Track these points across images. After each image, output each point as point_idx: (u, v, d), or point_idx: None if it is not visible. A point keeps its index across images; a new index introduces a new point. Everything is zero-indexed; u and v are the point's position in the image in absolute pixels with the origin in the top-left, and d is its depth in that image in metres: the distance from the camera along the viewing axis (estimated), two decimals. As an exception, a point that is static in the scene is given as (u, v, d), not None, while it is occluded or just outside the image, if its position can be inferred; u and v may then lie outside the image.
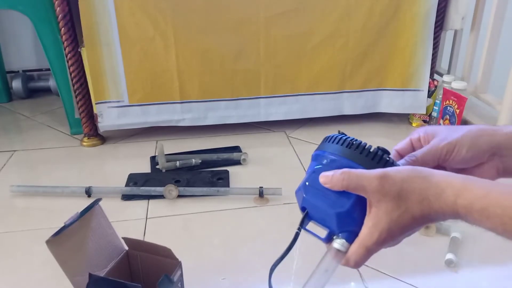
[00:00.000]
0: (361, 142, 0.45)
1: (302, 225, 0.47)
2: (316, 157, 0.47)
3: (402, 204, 0.40)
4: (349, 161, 0.43)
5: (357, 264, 0.45)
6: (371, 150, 0.44)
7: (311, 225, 0.48)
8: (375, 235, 0.42)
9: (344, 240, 0.44)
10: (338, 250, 0.44)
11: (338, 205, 0.43)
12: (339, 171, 0.43)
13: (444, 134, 0.47)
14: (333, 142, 0.46)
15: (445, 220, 0.41)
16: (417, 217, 0.40)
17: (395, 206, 0.40)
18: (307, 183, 0.46)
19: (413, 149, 0.51)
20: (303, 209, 0.47)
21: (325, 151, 0.46)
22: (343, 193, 0.43)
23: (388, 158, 0.44)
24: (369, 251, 0.43)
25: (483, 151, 0.46)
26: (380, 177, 0.40)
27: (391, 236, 0.42)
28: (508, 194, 0.36)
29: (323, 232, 0.46)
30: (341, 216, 0.43)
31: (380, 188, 0.40)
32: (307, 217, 0.47)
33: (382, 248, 0.44)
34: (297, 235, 0.48)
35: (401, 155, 0.50)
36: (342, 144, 0.45)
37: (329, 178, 0.43)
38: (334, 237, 0.45)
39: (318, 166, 0.45)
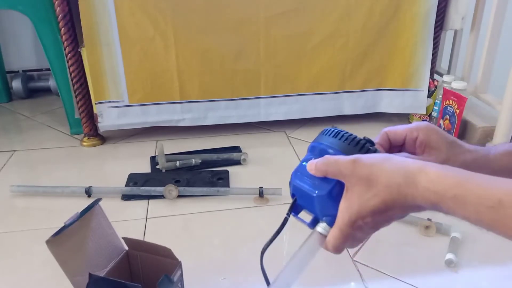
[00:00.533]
0: (351, 134, 0.47)
1: (291, 211, 0.50)
2: (310, 149, 0.49)
3: (372, 187, 0.41)
4: (337, 151, 0.46)
5: (335, 248, 0.46)
6: (356, 139, 0.47)
7: (302, 213, 0.51)
8: (346, 217, 0.43)
9: (325, 224, 0.46)
10: (321, 234, 0.47)
11: (319, 189, 0.45)
12: (321, 158, 0.45)
13: (443, 154, 0.49)
14: (326, 135, 0.48)
15: (420, 209, 0.41)
16: (387, 202, 0.41)
17: (365, 189, 0.41)
18: (298, 172, 0.48)
19: (403, 142, 0.52)
20: (292, 195, 0.49)
21: (318, 143, 0.48)
22: (326, 179, 0.45)
23: (370, 147, 0.46)
24: (343, 234, 0.44)
25: (441, 139, 0.48)
26: (353, 161, 0.42)
27: (362, 218, 0.42)
28: (484, 183, 0.36)
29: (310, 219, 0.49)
30: (323, 199, 0.45)
31: (353, 171, 0.42)
32: (296, 203, 0.49)
33: (358, 233, 0.44)
34: (285, 220, 0.51)
35: (390, 141, 0.53)
36: (334, 136, 0.47)
37: (313, 165, 0.45)
38: (319, 222, 0.47)
39: (309, 156, 0.48)
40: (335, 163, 0.43)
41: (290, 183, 0.50)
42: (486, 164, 0.49)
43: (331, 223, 0.45)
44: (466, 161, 0.48)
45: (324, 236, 0.46)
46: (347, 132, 0.48)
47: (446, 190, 0.37)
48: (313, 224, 0.48)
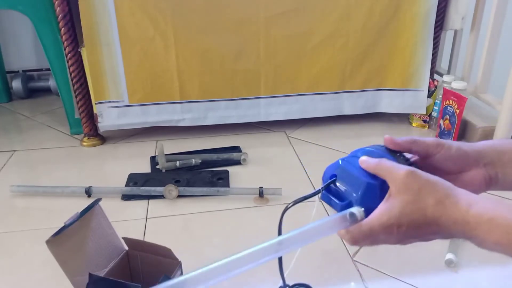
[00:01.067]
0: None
1: (325, 188, 0.52)
2: (357, 150, 0.52)
3: (419, 201, 0.43)
4: (385, 153, 0.50)
5: (355, 241, 0.46)
6: (405, 156, 0.51)
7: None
8: (384, 218, 0.44)
9: (362, 210, 0.46)
10: (352, 214, 0.46)
11: (371, 179, 0.47)
12: (377, 159, 0.48)
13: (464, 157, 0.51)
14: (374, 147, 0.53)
15: (451, 234, 0.43)
16: (428, 218, 0.42)
17: (412, 200, 0.43)
18: (347, 161, 0.50)
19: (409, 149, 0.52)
20: (331, 177, 0.51)
21: (367, 147, 0.52)
22: (375, 176, 0.47)
23: (412, 162, 0.51)
24: (372, 232, 0.45)
25: (468, 154, 0.50)
26: (410, 171, 0.44)
27: (398, 226, 0.43)
28: None
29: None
30: (371, 189, 0.47)
31: (405, 180, 0.44)
32: (330, 186, 0.51)
33: (384, 238, 0.45)
34: (318, 191, 0.53)
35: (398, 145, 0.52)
36: (381, 147, 0.52)
37: (366, 160, 0.48)
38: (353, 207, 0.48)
39: (357, 154, 0.51)
40: (388, 166, 0.46)
41: (328, 167, 0.53)
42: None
43: (365, 212, 0.46)
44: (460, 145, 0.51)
45: (353, 219, 0.46)
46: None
47: (482, 214, 0.40)
48: (345, 207, 0.48)
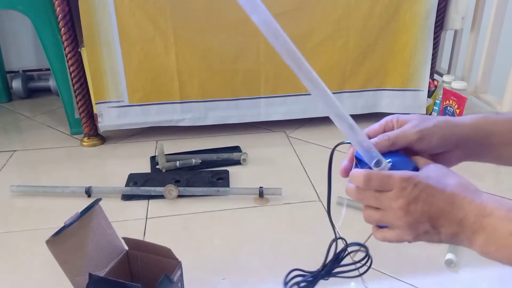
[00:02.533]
0: None
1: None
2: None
3: (445, 175, 0.44)
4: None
5: (367, 181, 0.46)
6: None
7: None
8: (407, 173, 0.44)
9: (389, 164, 0.47)
10: (379, 161, 0.46)
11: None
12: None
13: (416, 122, 0.50)
14: None
15: (461, 220, 0.42)
16: (446, 191, 0.43)
17: (438, 172, 0.45)
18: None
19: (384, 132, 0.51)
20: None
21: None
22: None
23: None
24: (388, 181, 0.44)
25: (450, 142, 0.50)
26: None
27: (415, 184, 0.43)
28: None
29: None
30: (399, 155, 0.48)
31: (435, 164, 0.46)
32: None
33: (394, 197, 0.44)
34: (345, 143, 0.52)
35: (370, 138, 0.51)
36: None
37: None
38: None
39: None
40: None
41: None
42: (456, 125, 0.51)
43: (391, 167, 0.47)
44: (439, 122, 0.50)
45: (375, 164, 0.46)
46: None
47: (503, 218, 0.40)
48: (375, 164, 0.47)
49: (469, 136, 0.50)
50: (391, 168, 0.46)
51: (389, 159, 0.47)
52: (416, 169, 0.47)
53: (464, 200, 0.42)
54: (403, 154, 0.48)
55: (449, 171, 0.45)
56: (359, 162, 0.50)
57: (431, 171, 0.45)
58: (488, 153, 0.52)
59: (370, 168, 0.47)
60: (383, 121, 0.52)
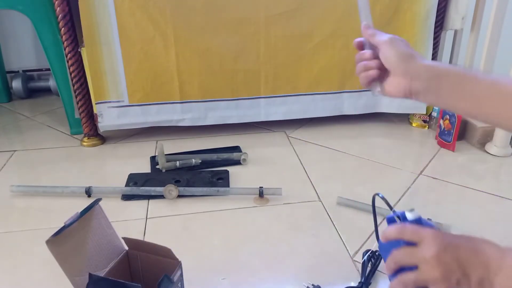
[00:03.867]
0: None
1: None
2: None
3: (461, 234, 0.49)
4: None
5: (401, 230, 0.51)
6: None
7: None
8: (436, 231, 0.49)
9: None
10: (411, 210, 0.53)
11: None
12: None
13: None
14: None
15: (483, 280, 0.45)
16: (469, 247, 0.46)
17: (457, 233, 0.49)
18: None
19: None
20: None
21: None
22: None
23: None
24: (421, 231, 0.49)
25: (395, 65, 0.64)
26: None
27: (445, 235, 0.48)
28: None
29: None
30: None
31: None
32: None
33: (427, 240, 0.48)
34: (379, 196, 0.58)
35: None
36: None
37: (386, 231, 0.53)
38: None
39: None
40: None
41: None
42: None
43: None
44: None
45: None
46: None
47: None
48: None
49: (419, 70, 0.60)
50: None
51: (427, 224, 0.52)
52: None
53: (484, 245, 0.45)
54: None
55: (475, 238, 0.48)
56: (389, 223, 0.54)
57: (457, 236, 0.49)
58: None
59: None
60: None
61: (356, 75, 0.65)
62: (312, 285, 0.78)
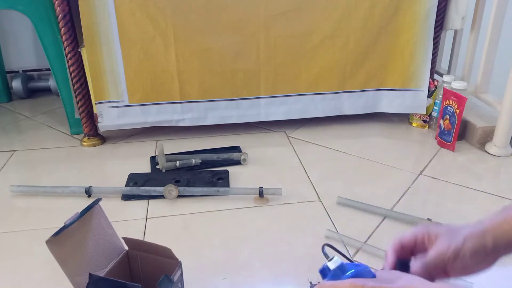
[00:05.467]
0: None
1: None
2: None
3: (396, 279, 0.46)
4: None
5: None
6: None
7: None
8: (355, 279, 0.47)
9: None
10: (331, 259, 0.51)
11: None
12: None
13: (446, 238, 0.53)
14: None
15: None
16: None
17: (391, 276, 0.47)
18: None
19: (415, 244, 0.56)
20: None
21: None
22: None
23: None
24: (340, 286, 0.48)
25: (480, 257, 0.52)
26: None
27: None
28: None
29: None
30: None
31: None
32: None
33: None
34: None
35: (403, 248, 0.57)
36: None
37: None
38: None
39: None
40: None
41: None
42: (483, 234, 0.52)
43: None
44: (466, 236, 0.52)
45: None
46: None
47: None
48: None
49: (495, 245, 0.51)
50: (352, 277, 0.49)
51: (352, 270, 0.50)
52: (374, 277, 0.50)
53: None
54: (367, 266, 0.51)
55: (403, 274, 0.48)
56: (322, 277, 0.54)
57: (383, 275, 0.48)
58: None
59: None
60: (415, 231, 0.56)
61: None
62: (319, 282, 0.78)
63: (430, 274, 0.53)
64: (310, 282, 0.80)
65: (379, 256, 0.87)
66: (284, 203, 1.06)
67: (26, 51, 1.84)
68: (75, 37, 1.27)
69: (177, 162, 1.23)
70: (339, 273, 0.51)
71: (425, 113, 1.45)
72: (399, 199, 1.07)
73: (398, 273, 0.50)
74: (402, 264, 0.56)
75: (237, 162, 1.26)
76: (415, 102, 1.44)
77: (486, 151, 1.31)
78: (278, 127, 1.49)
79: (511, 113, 1.24)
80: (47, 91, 1.84)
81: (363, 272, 0.50)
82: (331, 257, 0.52)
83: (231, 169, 1.22)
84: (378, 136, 1.43)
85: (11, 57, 1.84)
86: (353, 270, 0.50)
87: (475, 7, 1.40)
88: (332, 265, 0.52)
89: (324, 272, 0.53)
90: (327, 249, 0.57)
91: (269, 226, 0.98)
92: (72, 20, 1.24)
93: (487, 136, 1.33)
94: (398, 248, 0.57)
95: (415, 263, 0.54)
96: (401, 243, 0.57)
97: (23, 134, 1.50)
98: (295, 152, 1.33)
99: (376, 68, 1.41)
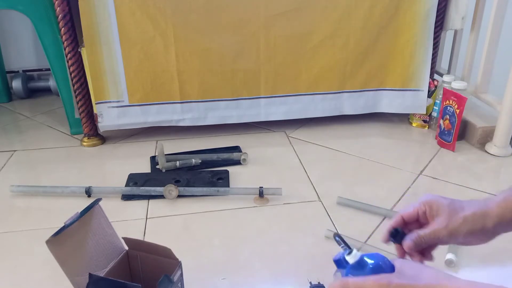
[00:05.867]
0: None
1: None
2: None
3: (419, 273, 0.47)
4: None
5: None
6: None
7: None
8: (379, 277, 0.48)
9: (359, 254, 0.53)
10: (350, 253, 0.52)
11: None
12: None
13: (446, 218, 0.55)
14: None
15: None
16: None
17: (413, 271, 0.48)
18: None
19: (417, 217, 0.59)
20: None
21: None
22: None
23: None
24: (364, 285, 0.49)
25: (476, 236, 0.54)
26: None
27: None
28: None
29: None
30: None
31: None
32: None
33: None
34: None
35: (405, 221, 0.59)
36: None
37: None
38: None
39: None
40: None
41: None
42: (484, 216, 0.54)
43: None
44: (466, 217, 0.54)
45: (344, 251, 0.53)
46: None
47: None
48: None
49: (496, 227, 0.53)
50: (372, 271, 0.50)
51: (371, 262, 0.51)
52: (393, 268, 0.50)
53: (439, 287, 0.44)
54: (384, 256, 0.52)
55: (423, 266, 0.49)
56: (337, 266, 0.55)
57: (405, 269, 0.48)
58: None
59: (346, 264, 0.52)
60: (417, 206, 0.59)
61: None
62: (319, 282, 0.79)
63: (421, 247, 0.56)
64: (310, 282, 0.80)
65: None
66: (284, 203, 1.06)
67: (26, 51, 1.84)
68: (75, 37, 1.27)
69: (177, 162, 1.23)
70: (358, 266, 0.51)
71: (425, 113, 1.45)
72: (399, 199, 1.07)
73: (416, 264, 0.50)
74: (397, 232, 0.58)
75: (237, 162, 1.26)
76: (415, 102, 1.44)
77: (486, 151, 1.31)
78: (278, 127, 1.49)
79: (511, 113, 1.23)
80: (47, 91, 1.84)
81: (382, 265, 0.50)
82: (349, 249, 0.52)
83: (231, 169, 1.22)
84: (378, 136, 1.43)
85: (11, 57, 1.84)
86: (373, 262, 0.50)
87: (475, 7, 1.40)
88: (351, 259, 0.51)
89: (340, 263, 0.53)
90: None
91: (269, 226, 0.98)
92: (72, 20, 1.24)
93: (487, 136, 1.33)
94: (400, 222, 0.59)
95: (409, 235, 0.57)
96: (402, 217, 0.59)
97: (23, 134, 1.50)
98: (295, 152, 1.33)
99: (376, 68, 1.41)
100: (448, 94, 1.32)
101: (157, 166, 1.22)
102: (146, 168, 1.25)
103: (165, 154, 1.23)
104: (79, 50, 1.27)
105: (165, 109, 1.36)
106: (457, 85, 1.32)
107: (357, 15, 1.33)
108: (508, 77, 1.21)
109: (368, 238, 0.93)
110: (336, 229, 0.96)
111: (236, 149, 1.34)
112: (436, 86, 1.43)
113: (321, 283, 0.80)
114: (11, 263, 0.88)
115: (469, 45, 1.44)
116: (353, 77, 1.41)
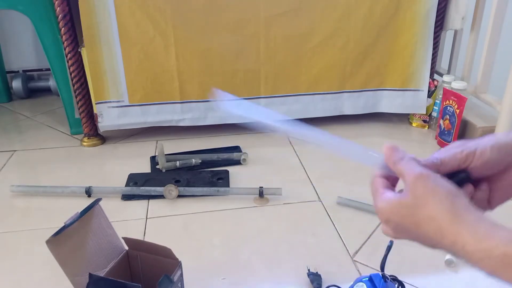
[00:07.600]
0: None
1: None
2: None
3: (417, 205, 0.42)
4: None
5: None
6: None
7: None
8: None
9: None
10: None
11: None
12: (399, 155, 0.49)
13: (463, 144, 0.47)
14: None
15: (437, 247, 0.43)
16: (419, 230, 0.43)
17: (410, 204, 0.43)
18: None
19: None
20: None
21: None
22: None
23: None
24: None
25: (508, 149, 0.43)
26: (419, 175, 0.44)
27: (387, 220, 0.46)
28: None
29: None
30: None
31: (414, 183, 0.44)
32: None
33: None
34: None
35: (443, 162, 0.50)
36: None
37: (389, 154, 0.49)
38: None
39: None
40: (404, 167, 0.47)
41: None
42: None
43: None
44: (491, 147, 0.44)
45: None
46: None
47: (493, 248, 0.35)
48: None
49: None
50: None
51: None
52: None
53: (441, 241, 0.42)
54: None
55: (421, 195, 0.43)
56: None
57: (402, 204, 0.44)
58: None
59: None
60: (449, 153, 0.50)
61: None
62: (316, 272, 0.80)
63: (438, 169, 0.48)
64: (309, 270, 0.81)
65: (379, 256, 0.87)
66: (284, 203, 1.06)
67: (26, 51, 1.84)
68: (75, 37, 1.27)
69: (177, 162, 1.23)
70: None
71: (425, 113, 1.45)
72: (399, 199, 1.07)
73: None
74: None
75: (237, 162, 1.26)
76: (415, 102, 1.44)
77: (486, 151, 1.31)
78: (278, 127, 1.49)
79: (511, 113, 1.23)
80: (47, 91, 1.84)
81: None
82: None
83: (231, 169, 1.22)
84: (378, 136, 1.43)
85: (11, 57, 1.84)
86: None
87: (475, 7, 1.40)
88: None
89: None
90: None
91: (269, 226, 0.98)
92: (72, 20, 1.24)
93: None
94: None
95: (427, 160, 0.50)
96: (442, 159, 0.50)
97: (23, 134, 1.50)
98: (295, 152, 1.33)
99: (376, 68, 1.41)
100: (448, 94, 1.32)
101: (157, 166, 1.22)
102: (146, 168, 1.25)
103: (165, 154, 1.23)
104: (79, 50, 1.27)
105: (165, 109, 1.36)
106: (457, 85, 1.32)
107: (357, 15, 1.33)
108: (508, 77, 1.21)
109: (368, 238, 0.93)
110: (336, 229, 0.96)
111: (236, 149, 1.34)
112: (436, 86, 1.43)
113: (319, 273, 0.80)
114: (11, 263, 0.88)
115: (469, 45, 1.44)
116: (353, 77, 1.41)
